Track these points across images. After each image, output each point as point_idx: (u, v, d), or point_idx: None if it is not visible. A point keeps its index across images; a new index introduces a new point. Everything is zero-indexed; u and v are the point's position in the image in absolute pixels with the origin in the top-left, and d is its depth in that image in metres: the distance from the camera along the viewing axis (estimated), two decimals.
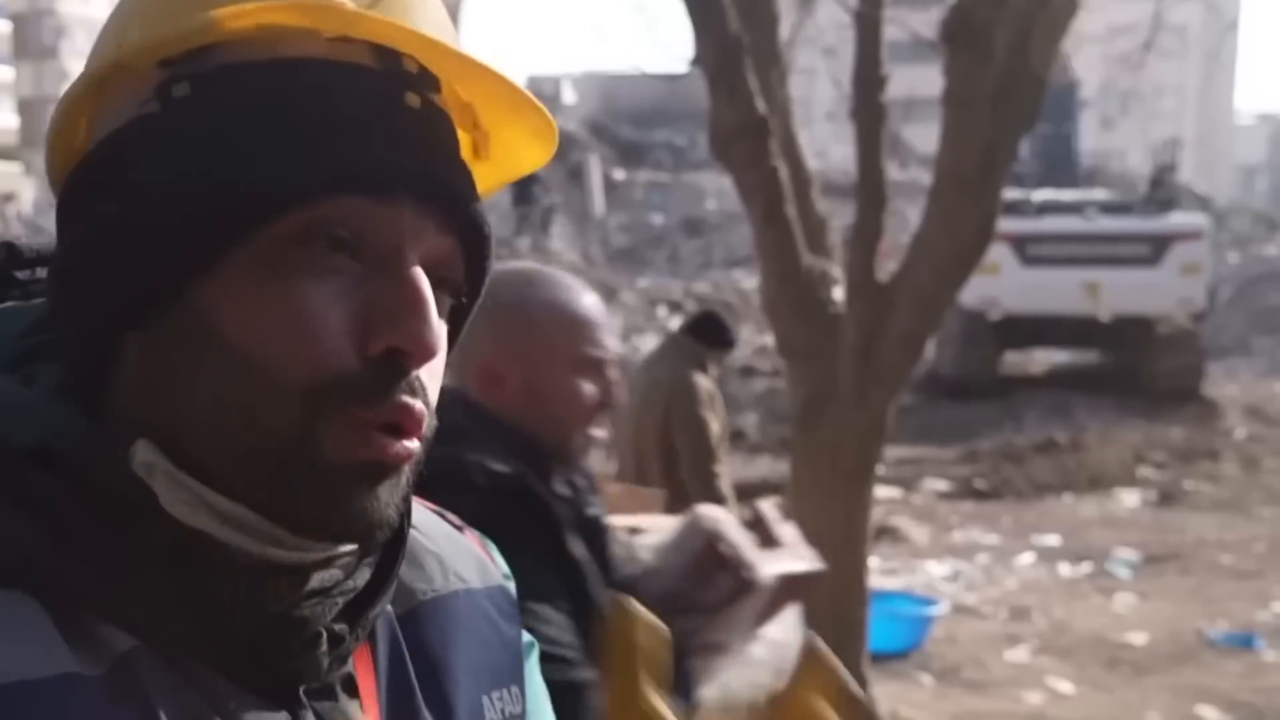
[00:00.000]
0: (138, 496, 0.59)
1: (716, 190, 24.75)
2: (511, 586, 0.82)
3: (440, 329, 0.63)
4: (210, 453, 0.60)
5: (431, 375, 0.64)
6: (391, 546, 0.70)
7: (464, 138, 0.68)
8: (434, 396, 0.64)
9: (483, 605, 0.77)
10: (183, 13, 0.60)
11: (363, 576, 0.67)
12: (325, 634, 0.64)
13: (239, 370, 0.59)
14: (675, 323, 17.97)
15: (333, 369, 0.59)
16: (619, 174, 29.98)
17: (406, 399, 0.61)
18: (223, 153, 0.59)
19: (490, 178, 0.71)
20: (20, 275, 0.70)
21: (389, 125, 0.61)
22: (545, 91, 37.76)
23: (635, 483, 4.55)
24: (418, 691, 0.71)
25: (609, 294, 18.48)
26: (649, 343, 16.76)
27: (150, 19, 0.62)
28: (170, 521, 0.60)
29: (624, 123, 34.77)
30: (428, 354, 0.61)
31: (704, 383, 4.37)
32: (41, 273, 0.71)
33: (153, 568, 0.59)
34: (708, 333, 4.52)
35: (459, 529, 0.82)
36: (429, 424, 0.63)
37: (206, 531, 0.60)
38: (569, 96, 36.87)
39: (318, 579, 0.64)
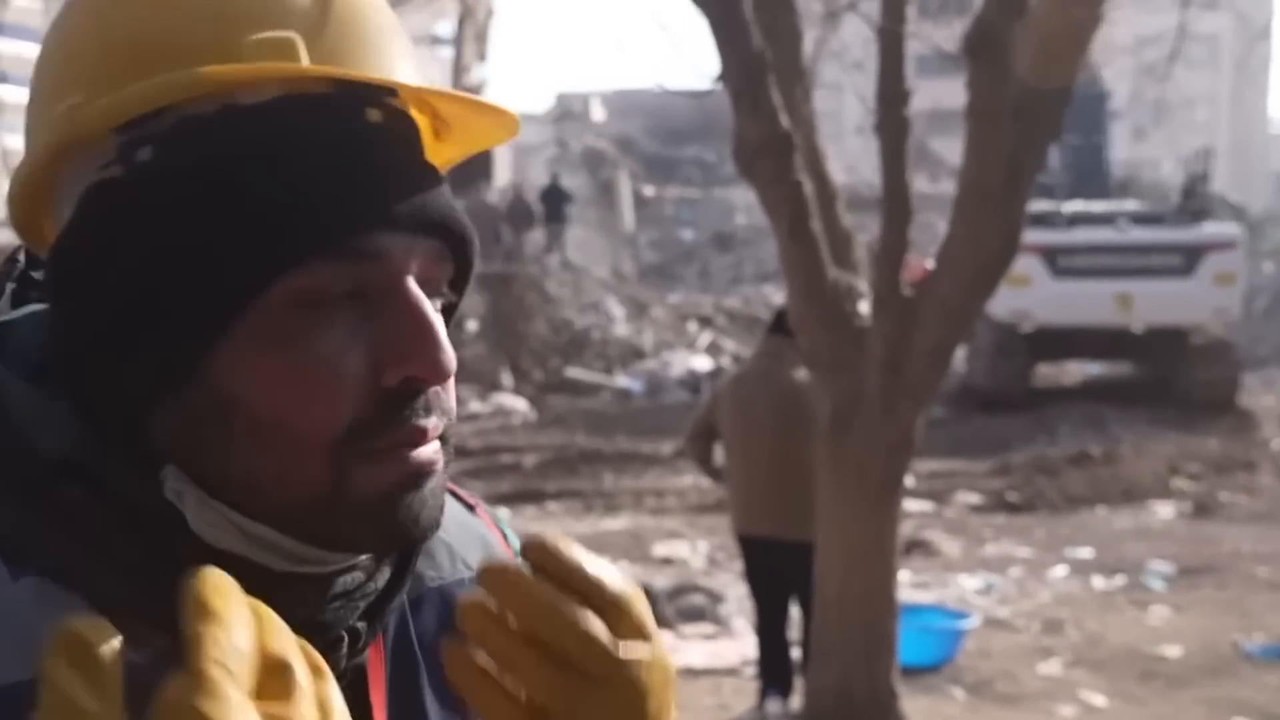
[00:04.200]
0: (164, 512, 0.61)
1: (746, 205, 24.75)
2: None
3: (449, 346, 0.63)
4: (248, 499, 0.61)
5: (446, 387, 0.65)
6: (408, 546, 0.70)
7: (423, 122, 0.67)
8: (451, 400, 0.66)
9: None
10: (128, 74, 0.59)
11: (383, 577, 0.68)
12: (346, 635, 0.65)
13: (266, 436, 0.60)
14: (706, 338, 18.02)
15: (352, 415, 0.60)
16: (649, 190, 30.04)
17: (421, 421, 0.62)
18: (198, 226, 0.59)
19: (450, 153, 0.71)
20: (37, 275, 0.69)
21: (354, 159, 0.61)
22: (575, 109, 37.90)
23: (781, 485, 4.54)
24: (423, 675, 0.72)
25: (639, 310, 18.51)
26: (680, 359, 16.79)
27: (94, 80, 0.61)
28: (198, 540, 0.61)
29: (653, 139, 34.85)
30: (444, 376, 0.62)
31: None
32: None
33: (178, 576, 0.60)
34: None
35: (471, 508, 0.82)
36: (449, 429, 0.65)
37: (234, 552, 0.62)
38: (598, 113, 36.98)
39: (341, 584, 0.65)
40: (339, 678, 0.65)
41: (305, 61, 0.61)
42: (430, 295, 0.64)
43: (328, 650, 0.64)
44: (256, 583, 0.61)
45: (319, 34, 0.62)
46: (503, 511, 7.45)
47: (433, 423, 0.63)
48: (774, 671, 4.86)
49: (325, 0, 0.63)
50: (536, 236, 20.62)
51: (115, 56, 0.61)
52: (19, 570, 0.60)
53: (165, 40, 0.61)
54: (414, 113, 0.66)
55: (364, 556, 0.67)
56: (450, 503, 0.80)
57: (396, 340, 0.61)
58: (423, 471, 0.63)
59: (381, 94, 0.63)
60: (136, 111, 0.59)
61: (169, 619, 0.60)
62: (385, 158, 0.62)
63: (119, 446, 0.62)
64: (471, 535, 0.80)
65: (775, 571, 4.73)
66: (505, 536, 0.83)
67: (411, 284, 0.62)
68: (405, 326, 0.61)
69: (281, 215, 0.59)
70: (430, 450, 0.63)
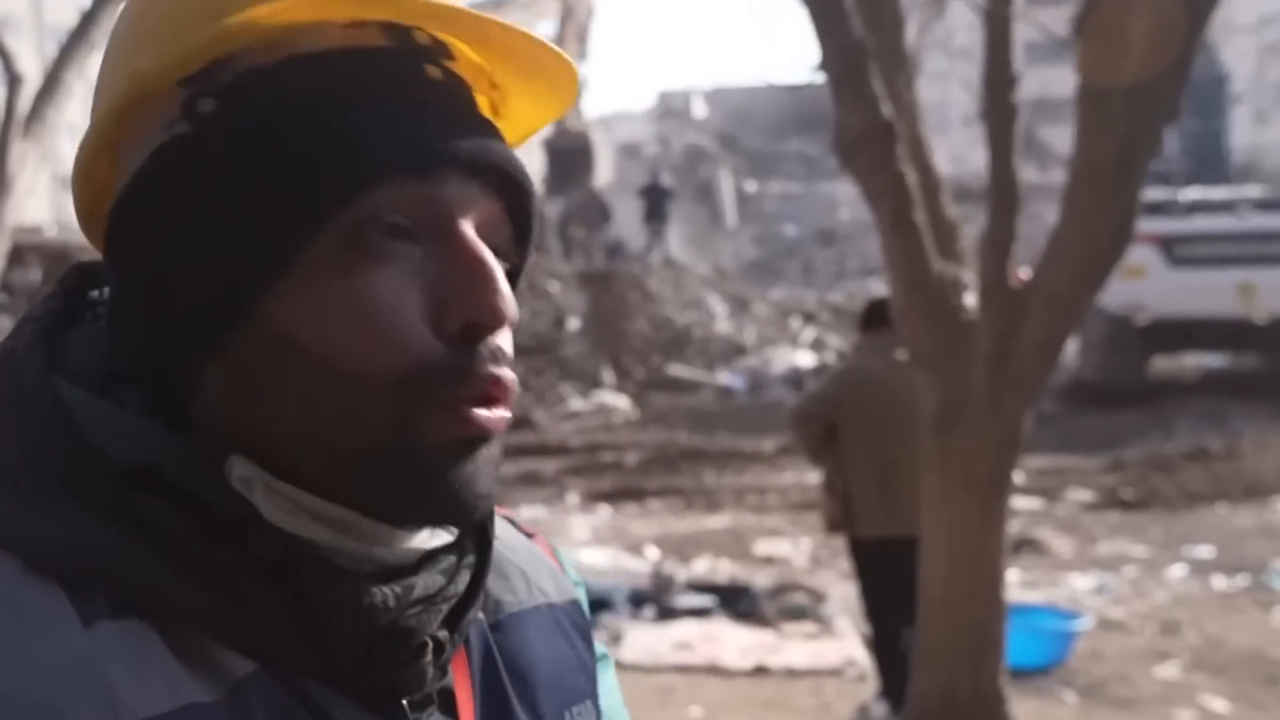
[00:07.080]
0: (241, 513, 0.60)
1: (849, 200, 24.48)
2: (582, 597, 0.81)
3: (509, 292, 0.62)
4: (307, 459, 0.60)
5: (505, 338, 0.64)
6: (483, 549, 0.70)
7: (482, 100, 0.68)
8: (511, 355, 0.65)
9: (560, 620, 0.77)
10: (191, 29, 0.60)
11: (463, 581, 0.67)
12: (431, 643, 0.63)
13: (324, 375, 0.59)
14: (809, 334, 17.85)
15: (416, 356, 0.59)
16: (750, 186, 29.91)
17: (494, 370, 0.61)
18: (262, 163, 0.59)
19: (508, 135, 0.70)
20: (94, 295, 0.69)
21: (416, 102, 0.61)
22: (676, 106, 37.88)
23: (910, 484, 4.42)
24: (513, 700, 0.70)
25: (741, 306, 18.42)
26: (782, 355, 16.66)
27: (159, 41, 0.61)
28: (273, 535, 0.60)
29: (755, 134, 34.70)
30: (502, 322, 0.61)
31: None
32: None
33: (263, 587, 0.59)
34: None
35: (530, 536, 0.81)
36: (515, 388, 0.64)
37: (310, 539, 0.60)
38: (699, 110, 36.91)
39: (422, 585, 0.64)
40: (424, 698, 0.64)
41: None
42: (490, 249, 0.64)
43: (412, 659, 0.63)
44: (338, 582, 0.60)
45: None
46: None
47: (507, 374, 0.62)
48: (896, 679, 4.71)
49: None
50: (616, 233, 20.67)
51: (177, 15, 0.61)
52: (89, 608, 0.56)
53: None
54: (472, 89, 0.67)
55: (443, 553, 0.66)
56: (512, 530, 0.80)
57: (453, 283, 0.61)
58: (487, 436, 0.61)
59: (439, 54, 0.64)
60: (198, 64, 0.60)
61: (250, 636, 0.58)
62: (444, 106, 0.62)
63: (185, 441, 0.61)
64: (539, 562, 0.79)
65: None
66: (563, 566, 0.81)
67: (466, 224, 0.62)
68: (462, 268, 0.61)
69: (339, 148, 0.59)
70: (501, 415, 0.62)
